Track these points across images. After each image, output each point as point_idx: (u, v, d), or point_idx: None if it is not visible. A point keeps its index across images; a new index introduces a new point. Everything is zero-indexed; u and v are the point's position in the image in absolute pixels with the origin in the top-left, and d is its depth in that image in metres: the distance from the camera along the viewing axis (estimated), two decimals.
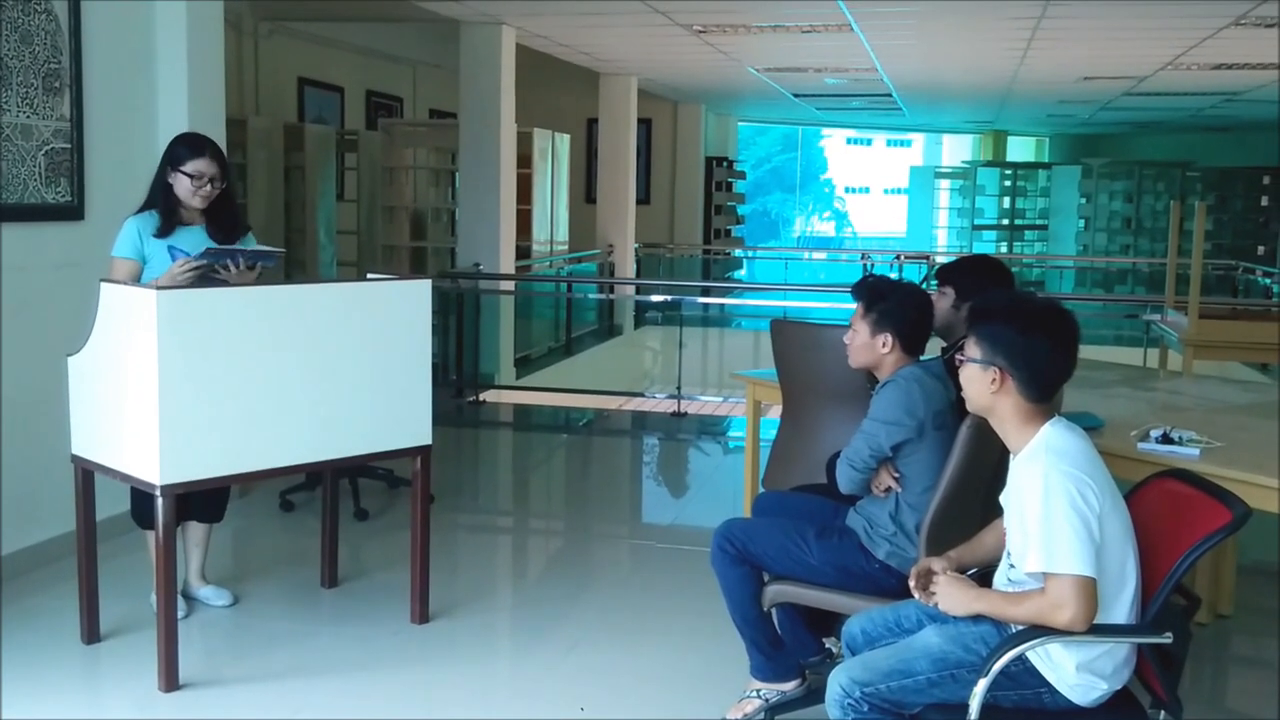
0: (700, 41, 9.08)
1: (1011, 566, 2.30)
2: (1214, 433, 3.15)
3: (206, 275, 3.42)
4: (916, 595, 2.39)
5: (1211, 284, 12.09)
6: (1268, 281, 12.83)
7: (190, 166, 3.49)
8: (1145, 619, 2.20)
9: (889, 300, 2.95)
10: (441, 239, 9.79)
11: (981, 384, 2.27)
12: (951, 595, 2.30)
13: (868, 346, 2.95)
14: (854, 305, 3.02)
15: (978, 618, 2.28)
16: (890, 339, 2.92)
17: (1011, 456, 2.30)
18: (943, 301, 3.25)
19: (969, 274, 3.34)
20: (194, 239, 3.56)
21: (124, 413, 3.17)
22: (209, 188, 3.51)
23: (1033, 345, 2.23)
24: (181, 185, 3.50)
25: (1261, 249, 16.30)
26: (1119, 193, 17.33)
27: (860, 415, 2.96)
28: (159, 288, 3.09)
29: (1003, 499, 2.35)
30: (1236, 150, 17.47)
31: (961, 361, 2.33)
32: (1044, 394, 2.25)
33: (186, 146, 3.54)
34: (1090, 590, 2.10)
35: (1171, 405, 3.98)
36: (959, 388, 2.41)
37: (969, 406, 2.38)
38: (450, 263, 9.16)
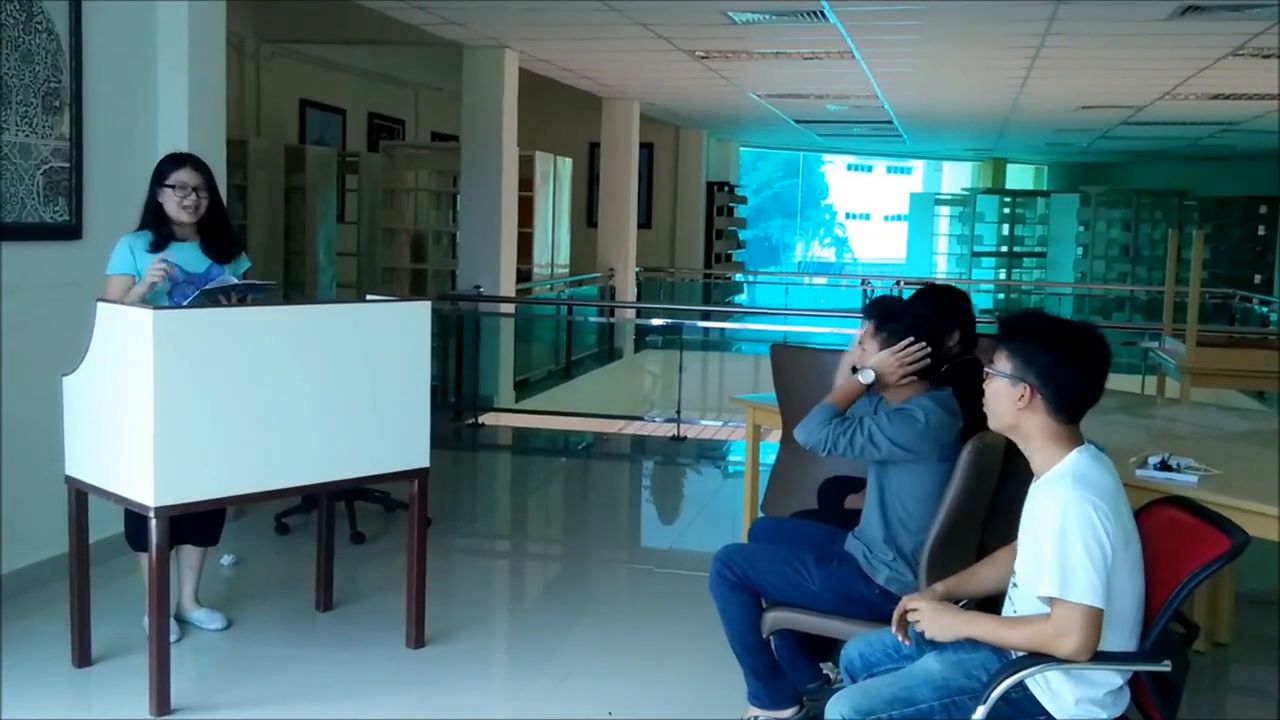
0: (702, 67, 9.13)
1: (1015, 585, 2.27)
2: (1212, 460, 3.14)
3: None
4: (895, 632, 2.35)
5: (1209, 312, 12.11)
6: (1265, 310, 12.85)
7: (172, 178, 3.53)
8: (1144, 646, 2.18)
9: (901, 321, 2.89)
10: (442, 261, 9.81)
11: (1009, 399, 2.23)
12: (937, 621, 2.27)
13: None
14: (865, 323, 2.94)
15: (977, 644, 2.26)
16: None
17: (1034, 479, 2.26)
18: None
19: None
20: (188, 254, 3.57)
21: (119, 434, 3.15)
22: (193, 197, 3.54)
23: (1067, 366, 2.20)
24: (168, 200, 3.54)
25: (1258, 277, 16.34)
26: (1117, 221, 17.39)
27: None
28: (156, 308, 3.09)
29: (1021, 526, 2.31)
30: (1234, 180, 17.55)
31: (989, 375, 2.29)
32: (1072, 416, 2.23)
33: (168, 161, 3.60)
34: (1097, 622, 2.08)
35: (1170, 432, 3.97)
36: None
37: (991, 423, 2.32)
38: (450, 285, 9.18)
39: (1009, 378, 2.23)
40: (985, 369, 2.32)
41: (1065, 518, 2.10)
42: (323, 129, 10.21)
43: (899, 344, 2.83)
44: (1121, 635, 2.16)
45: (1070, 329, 2.28)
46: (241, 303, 3.47)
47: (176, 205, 3.54)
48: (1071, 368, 2.21)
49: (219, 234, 3.63)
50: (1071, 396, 2.21)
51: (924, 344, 2.82)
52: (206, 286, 3.43)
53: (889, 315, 2.91)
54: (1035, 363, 2.21)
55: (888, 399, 2.90)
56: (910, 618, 2.33)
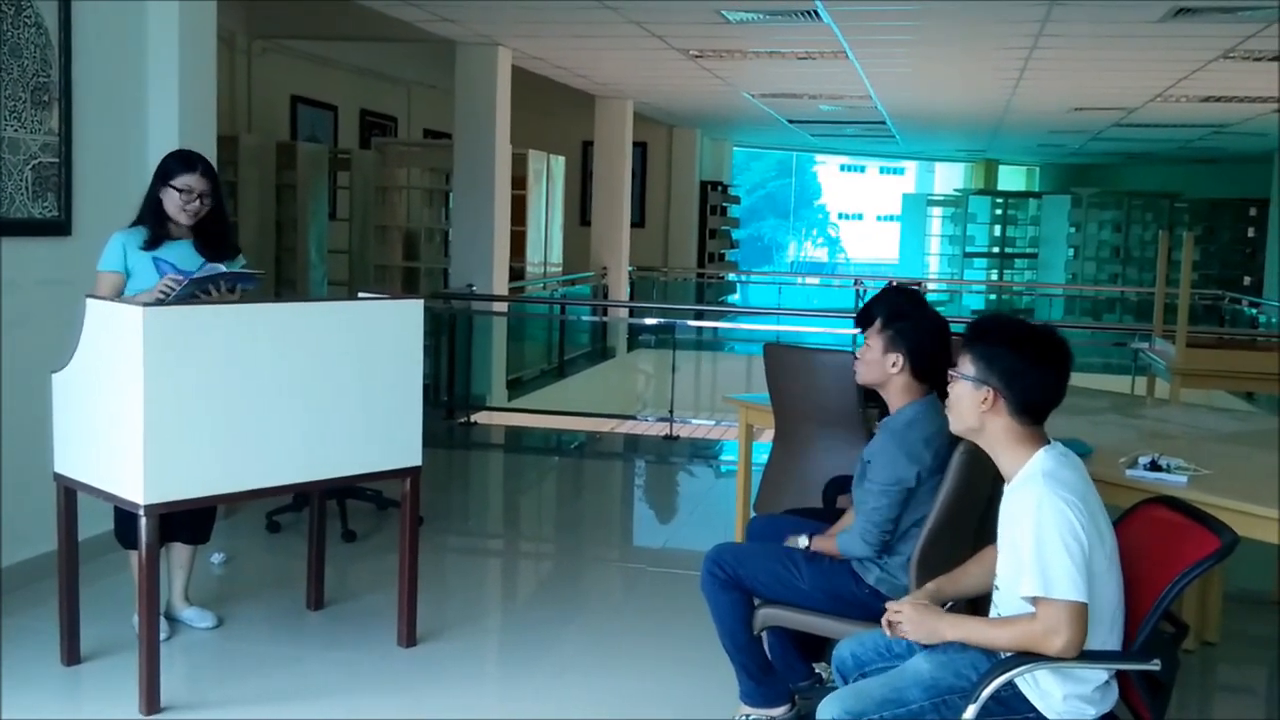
0: (696, 66, 9.13)
1: (997, 588, 2.29)
2: (1201, 460, 3.15)
3: (186, 298, 3.38)
4: (885, 631, 2.37)
5: (1199, 314, 12.16)
6: (1254, 312, 12.90)
7: (179, 181, 3.49)
8: (1134, 645, 2.19)
9: (907, 320, 2.84)
10: (435, 260, 9.79)
11: (972, 402, 2.27)
12: (920, 624, 2.29)
13: (877, 364, 2.85)
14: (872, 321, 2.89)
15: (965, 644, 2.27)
16: (901, 360, 2.82)
17: (1005, 483, 2.29)
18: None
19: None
20: (181, 253, 3.55)
21: (108, 431, 3.14)
22: (197, 204, 3.51)
23: (1028, 367, 2.24)
24: (170, 200, 3.50)
25: (1248, 279, 16.41)
26: (1108, 222, 17.44)
27: (852, 440, 2.92)
28: (145, 305, 3.07)
29: (999, 530, 2.33)
30: (1224, 182, 17.62)
31: (953, 377, 2.32)
32: (1035, 417, 2.26)
33: (178, 161, 3.54)
34: (1083, 616, 2.10)
35: (1159, 433, 3.98)
36: None
37: (954, 425, 2.35)
38: (443, 283, 9.16)
39: (973, 381, 2.27)
40: (949, 372, 2.35)
41: (1040, 516, 2.12)
42: (314, 125, 10.18)
43: None
44: (1101, 631, 2.17)
45: (1033, 332, 2.31)
46: (231, 292, 3.45)
47: (177, 207, 3.50)
48: (1034, 370, 2.24)
49: (216, 235, 3.60)
50: (1034, 398, 2.25)
51: None
52: (196, 275, 3.40)
53: (896, 314, 2.86)
54: (998, 366, 2.24)
55: (884, 396, 2.90)
56: (892, 619, 2.34)
